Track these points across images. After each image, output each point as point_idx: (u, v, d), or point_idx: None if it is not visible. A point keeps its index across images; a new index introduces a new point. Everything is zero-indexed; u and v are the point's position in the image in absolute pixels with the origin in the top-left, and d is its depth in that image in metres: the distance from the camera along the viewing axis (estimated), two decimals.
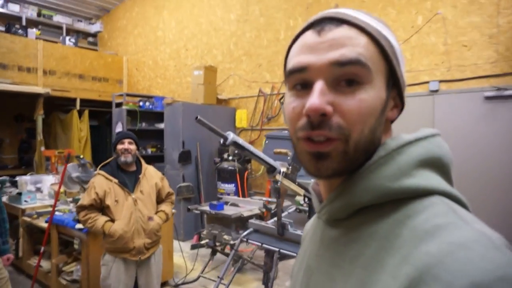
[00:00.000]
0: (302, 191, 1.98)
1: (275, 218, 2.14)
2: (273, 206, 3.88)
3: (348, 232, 0.50)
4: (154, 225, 2.62)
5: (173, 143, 5.56)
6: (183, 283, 3.78)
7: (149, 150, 6.78)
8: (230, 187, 5.23)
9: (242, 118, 6.10)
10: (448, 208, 0.44)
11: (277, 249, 1.79)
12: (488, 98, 4.03)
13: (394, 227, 0.44)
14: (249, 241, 1.97)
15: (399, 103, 0.54)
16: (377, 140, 0.50)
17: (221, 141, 1.59)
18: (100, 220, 2.48)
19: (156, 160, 6.62)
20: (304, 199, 2.05)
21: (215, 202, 3.80)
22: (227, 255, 4.06)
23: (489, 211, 3.86)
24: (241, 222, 3.70)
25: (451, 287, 0.35)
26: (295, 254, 1.73)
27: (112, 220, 2.52)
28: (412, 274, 0.38)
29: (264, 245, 1.88)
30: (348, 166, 0.49)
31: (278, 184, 1.80)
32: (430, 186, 0.46)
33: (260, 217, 3.95)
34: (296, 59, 0.51)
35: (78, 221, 3.25)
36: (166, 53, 7.69)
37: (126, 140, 2.63)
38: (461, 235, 0.39)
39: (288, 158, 1.94)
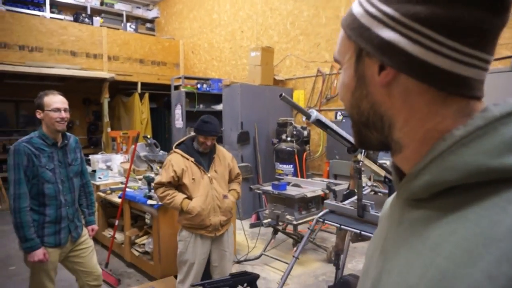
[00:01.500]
0: (383, 172, 1.90)
1: (352, 199, 2.08)
2: (336, 188, 3.81)
3: (431, 214, 0.43)
4: (228, 203, 2.70)
5: (231, 124, 5.64)
6: (245, 260, 3.87)
7: None
8: (289, 168, 5.21)
9: (299, 98, 6.01)
10: None
11: (358, 231, 1.73)
12: None
13: (491, 213, 0.36)
14: (326, 221, 1.93)
15: (391, 64, 0.44)
16: (370, 111, 0.49)
17: (304, 118, 1.55)
18: (179, 197, 2.57)
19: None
20: (384, 180, 1.96)
21: (277, 182, 3.81)
22: (288, 234, 4.08)
23: None
24: (304, 203, 3.68)
25: None
26: None
27: (189, 198, 2.60)
28: None
29: (343, 227, 1.83)
30: (360, 137, 0.53)
31: (360, 164, 1.73)
32: None
33: (322, 198, 3.90)
34: None
35: (150, 198, 3.43)
36: (221, 36, 7.73)
37: (211, 138, 2.65)
38: None
39: None
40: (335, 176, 5.20)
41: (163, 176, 2.61)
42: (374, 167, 1.84)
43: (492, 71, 4.01)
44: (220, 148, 2.86)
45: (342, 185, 3.95)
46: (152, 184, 2.71)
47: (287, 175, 5.12)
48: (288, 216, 3.63)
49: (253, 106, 5.61)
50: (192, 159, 2.63)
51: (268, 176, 5.52)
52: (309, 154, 5.54)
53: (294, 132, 5.27)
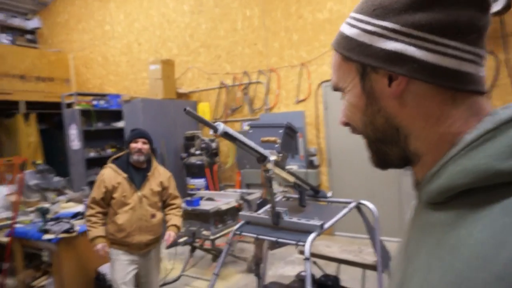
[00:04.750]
0: (292, 178, 1.99)
1: (265, 208, 2.14)
2: (249, 197, 3.88)
3: (448, 217, 0.43)
4: (156, 221, 2.69)
5: None
6: (164, 284, 3.68)
7: (109, 151, 6.44)
8: (200, 182, 5.14)
9: (205, 111, 5.99)
10: None
11: (274, 239, 1.78)
12: None
13: (503, 216, 0.37)
14: (244, 233, 1.94)
15: (402, 73, 0.46)
16: (385, 125, 0.50)
17: (211, 132, 1.55)
18: (96, 231, 2.53)
19: None
20: (294, 186, 2.06)
21: (190, 198, 3.72)
22: (206, 250, 4.01)
23: None
24: (219, 216, 3.66)
25: None
26: (293, 242, 1.74)
27: (115, 213, 2.54)
28: None
29: (260, 236, 1.86)
30: (379, 155, 0.54)
31: (270, 173, 1.79)
32: None
33: (237, 209, 3.93)
34: None
35: (46, 231, 3.03)
36: (116, 49, 7.31)
37: (140, 140, 2.62)
38: None
39: (276, 146, 1.93)
40: (248, 186, 5.31)
41: (95, 192, 2.58)
42: (284, 174, 1.92)
43: None
44: (157, 166, 2.79)
45: (255, 194, 4.05)
46: (85, 204, 2.68)
47: (199, 189, 5.05)
48: (204, 232, 3.57)
49: (158, 121, 5.41)
50: (125, 176, 2.57)
51: (180, 192, 5.32)
52: (219, 166, 5.55)
53: (203, 145, 5.24)
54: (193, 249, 3.87)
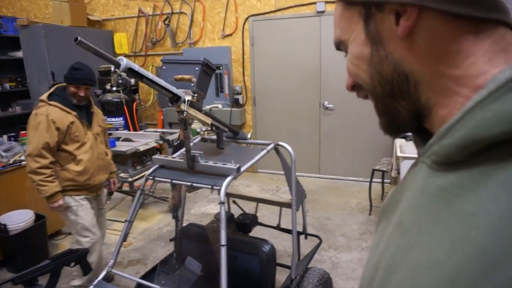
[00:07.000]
0: (209, 120, 1.87)
1: (181, 151, 2.02)
2: (170, 137, 3.72)
3: (464, 180, 0.35)
4: (109, 159, 2.60)
5: (39, 75, 4.69)
6: None
7: (7, 85, 5.61)
8: (118, 121, 4.78)
9: (122, 42, 5.41)
10: None
11: (189, 184, 1.70)
12: None
13: None
14: (156, 178, 1.82)
15: (411, 1, 0.38)
16: (393, 74, 0.42)
17: (112, 68, 1.33)
18: (53, 186, 2.23)
19: (20, 96, 5.59)
20: (211, 128, 1.95)
21: None
22: (124, 193, 3.85)
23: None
24: (137, 157, 3.47)
25: None
26: (208, 186, 1.67)
27: (73, 159, 2.33)
28: None
29: (174, 181, 1.76)
30: (389, 116, 0.46)
31: (184, 114, 1.65)
32: None
33: (157, 150, 3.77)
34: None
35: None
36: None
37: (84, 87, 2.30)
38: None
39: (192, 84, 1.77)
40: (170, 125, 5.09)
41: (45, 136, 2.18)
42: (200, 116, 1.79)
43: (300, 15, 4.42)
44: (93, 105, 2.56)
45: (176, 134, 3.88)
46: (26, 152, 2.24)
47: (117, 129, 4.71)
48: (122, 174, 3.38)
49: (65, 52, 4.74)
50: (75, 113, 2.32)
51: None
52: (139, 103, 5.19)
53: (120, 81, 4.77)
54: (110, 192, 3.67)
